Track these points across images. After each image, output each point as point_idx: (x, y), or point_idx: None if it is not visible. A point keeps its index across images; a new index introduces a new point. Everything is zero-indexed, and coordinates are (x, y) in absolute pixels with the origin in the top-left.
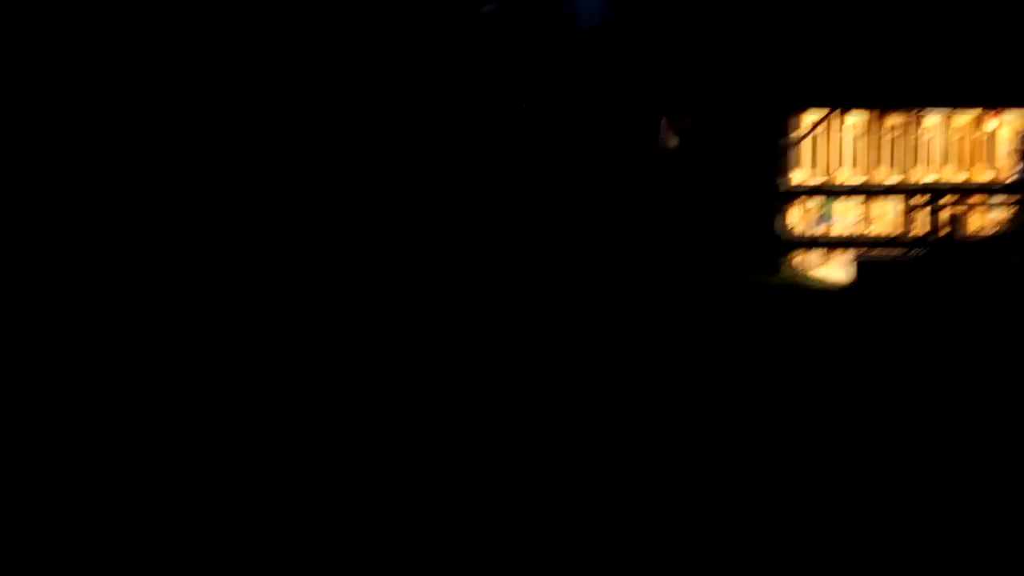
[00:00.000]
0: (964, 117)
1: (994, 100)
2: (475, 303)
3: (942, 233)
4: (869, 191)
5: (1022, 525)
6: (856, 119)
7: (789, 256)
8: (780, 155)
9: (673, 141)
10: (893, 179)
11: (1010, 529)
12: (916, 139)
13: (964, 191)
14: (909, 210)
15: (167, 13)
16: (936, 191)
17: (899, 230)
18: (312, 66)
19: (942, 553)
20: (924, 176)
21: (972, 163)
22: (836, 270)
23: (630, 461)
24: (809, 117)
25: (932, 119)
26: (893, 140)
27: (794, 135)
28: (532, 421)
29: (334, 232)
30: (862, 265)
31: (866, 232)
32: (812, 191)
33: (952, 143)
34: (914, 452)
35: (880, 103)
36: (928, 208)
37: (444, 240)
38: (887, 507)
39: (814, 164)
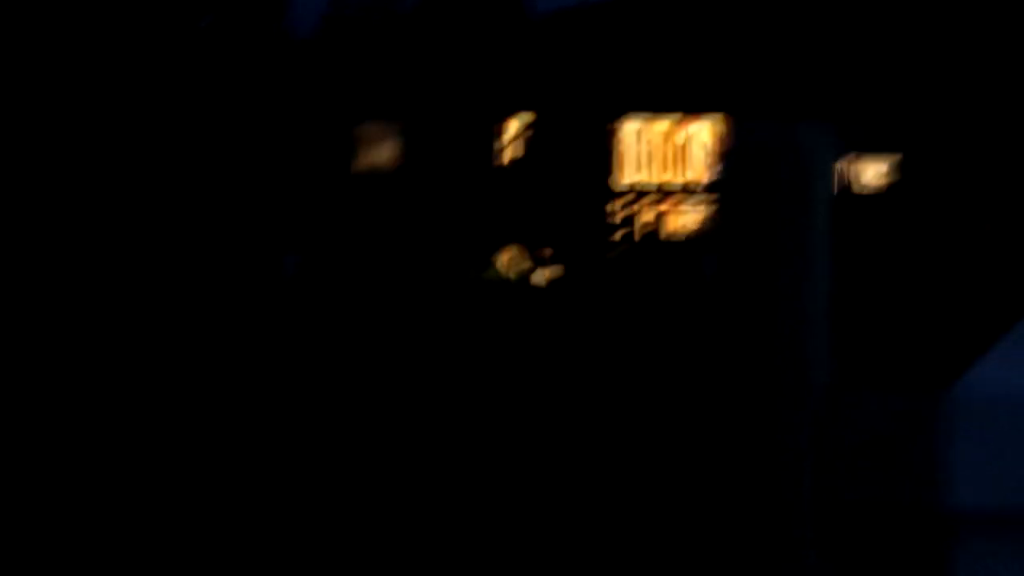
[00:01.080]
0: (662, 123)
1: (690, 107)
2: (196, 303)
3: (642, 233)
4: None
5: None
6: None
7: (498, 254)
8: (487, 159)
9: (389, 148)
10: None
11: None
12: (615, 143)
13: (662, 193)
14: (612, 210)
15: None
16: (635, 193)
17: (602, 229)
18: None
19: None
20: (625, 178)
21: (669, 167)
22: (541, 268)
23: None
24: (516, 124)
25: (631, 125)
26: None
27: (502, 140)
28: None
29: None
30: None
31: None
32: None
33: (651, 147)
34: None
35: (582, 110)
36: (629, 209)
37: (160, 243)
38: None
39: None
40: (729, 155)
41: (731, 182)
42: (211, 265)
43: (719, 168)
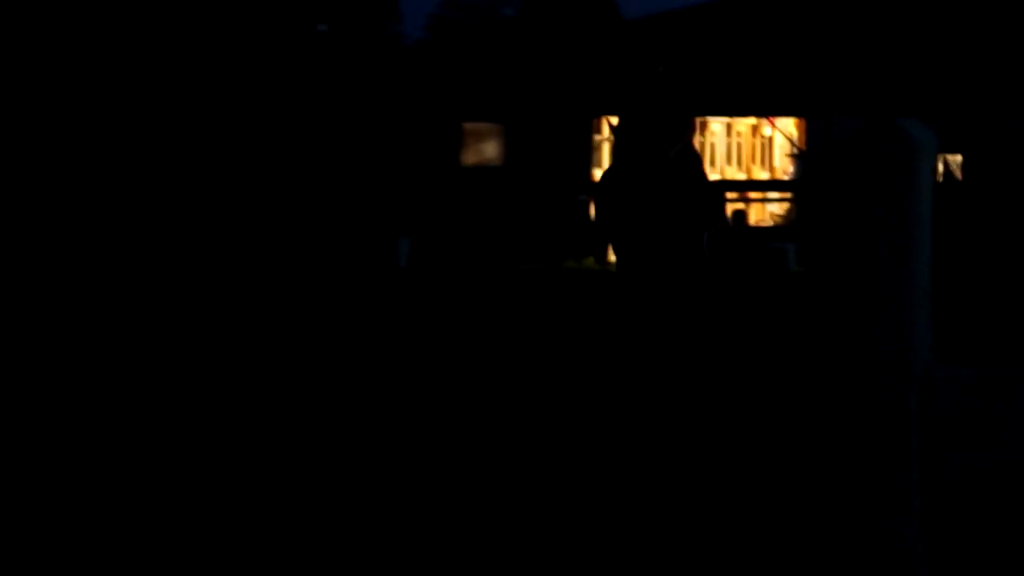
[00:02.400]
0: (743, 124)
1: (769, 110)
2: (322, 288)
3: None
4: None
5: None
6: None
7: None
8: (585, 156)
9: (495, 144)
10: None
11: None
12: (702, 143)
13: (745, 188)
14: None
15: None
16: (723, 184)
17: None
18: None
19: None
20: (711, 175)
21: (751, 164)
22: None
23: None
24: (611, 122)
25: (716, 126)
26: None
27: (597, 138)
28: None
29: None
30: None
31: None
32: None
33: (733, 146)
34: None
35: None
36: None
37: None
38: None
39: None
40: (831, 144)
41: (833, 169)
42: (335, 249)
43: (817, 158)
